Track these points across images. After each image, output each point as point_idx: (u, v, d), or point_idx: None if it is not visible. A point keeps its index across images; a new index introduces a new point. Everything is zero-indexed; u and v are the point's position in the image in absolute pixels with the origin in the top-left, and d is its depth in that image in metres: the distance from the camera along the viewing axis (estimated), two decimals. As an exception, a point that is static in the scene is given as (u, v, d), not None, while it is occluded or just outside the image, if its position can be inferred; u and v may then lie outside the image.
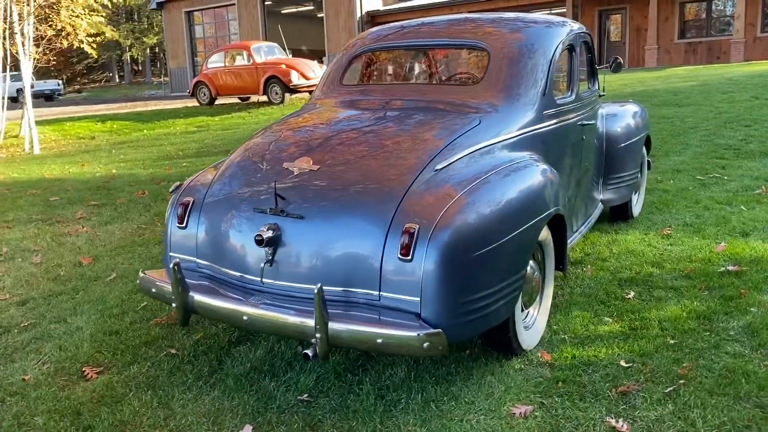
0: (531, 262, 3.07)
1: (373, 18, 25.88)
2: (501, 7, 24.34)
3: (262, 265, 2.67)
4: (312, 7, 29.78)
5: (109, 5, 39.85)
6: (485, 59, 3.41)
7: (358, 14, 25.49)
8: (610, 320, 3.36)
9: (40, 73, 42.97)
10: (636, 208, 5.34)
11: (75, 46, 14.59)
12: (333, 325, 2.39)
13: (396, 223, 2.50)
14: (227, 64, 16.79)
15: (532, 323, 3.15)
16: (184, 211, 3.01)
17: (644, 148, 5.39)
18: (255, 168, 2.95)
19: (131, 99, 28.67)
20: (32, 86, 35.23)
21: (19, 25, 12.78)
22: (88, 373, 2.98)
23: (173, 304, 2.74)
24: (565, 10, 23.55)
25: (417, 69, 3.80)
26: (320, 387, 2.76)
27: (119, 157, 10.51)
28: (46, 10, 13.96)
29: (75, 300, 3.95)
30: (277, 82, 15.39)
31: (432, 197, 2.55)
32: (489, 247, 2.54)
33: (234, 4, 28.80)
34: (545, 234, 3.13)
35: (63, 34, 13.95)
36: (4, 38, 13.10)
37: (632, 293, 3.69)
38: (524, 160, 3.04)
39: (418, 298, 2.43)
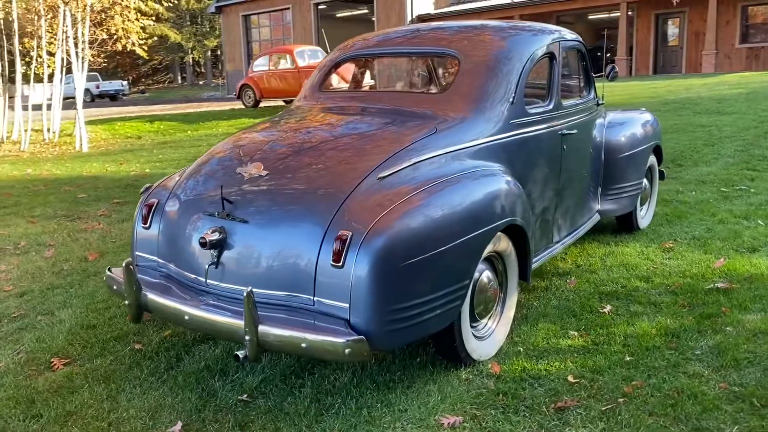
0: (487, 273, 3.05)
1: (422, 21, 25.89)
2: (553, 11, 24.00)
3: (207, 266, 2.75)
4: (366, 11, 30.02)
5: (162, 9, 41.16)
6: (456, 67, 3.40)
7: (409, 17, 25.57)
8: (576, 334, 3.30)
9: (109, 74, 44.94)
10: (644, 220, 5.20)
11: (128, 49, 15.19)
12: (263, 328, 2.45)
13: (331, 229, 2.53)
14: (271, 68, 17.15)
15: (489, 334, 3.12)
16: (148, 212, 3.13)
17: (654, 159, 5.25)
18: (212, 172, 3.03)
19: (189, 100, 29.54)
20: (98, 86, 36.71)
21: (73, 29, 13.38)
22: (55, 364, 3.12)
23: (125, 302, 2.85)
24: (619, 14, 23.00)
25: (396, 76, 3.82)
26: (263, 388, 2.82)
27: (158, 156, 10.87)
28: (101, 15, 14.58)
29: (68, 294, 4.14)
30: (317, 86, 15.62)
31: (369, 205, 2.57)
32: (424, 256, 2.54)
33: (288, 8, 29.33)
34: (504, 244, 3.10)
35: (115, 37, 14.52)
36: (62, 41, 13.74)
37: (609, 307, 3.61)
38: (480, 169, 3.02)
39: (347, 305, 2.46)
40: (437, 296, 2.61)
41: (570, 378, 2.83)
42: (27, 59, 14.87)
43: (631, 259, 4.46)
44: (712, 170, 7.08)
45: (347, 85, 4.37)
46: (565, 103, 3.84)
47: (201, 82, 49.37)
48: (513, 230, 3.11)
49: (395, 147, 2.86)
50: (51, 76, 14.40)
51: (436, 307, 2.61)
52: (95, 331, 3.50)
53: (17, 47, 13.99)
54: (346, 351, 2.35)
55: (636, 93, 14.42)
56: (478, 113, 3.20)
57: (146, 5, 15.14)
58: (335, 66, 3.86)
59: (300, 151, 2.94)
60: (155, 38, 43.76)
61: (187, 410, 2.66)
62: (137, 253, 3.17)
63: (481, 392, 2.75)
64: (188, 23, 46.44)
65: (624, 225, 5.09)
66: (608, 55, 25.16)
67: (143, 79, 50.29)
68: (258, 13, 30.96)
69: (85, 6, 13.74)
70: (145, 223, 3.13)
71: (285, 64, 16.85)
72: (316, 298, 2.53)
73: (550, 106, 3.64)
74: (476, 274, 2.96)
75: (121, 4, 14.56)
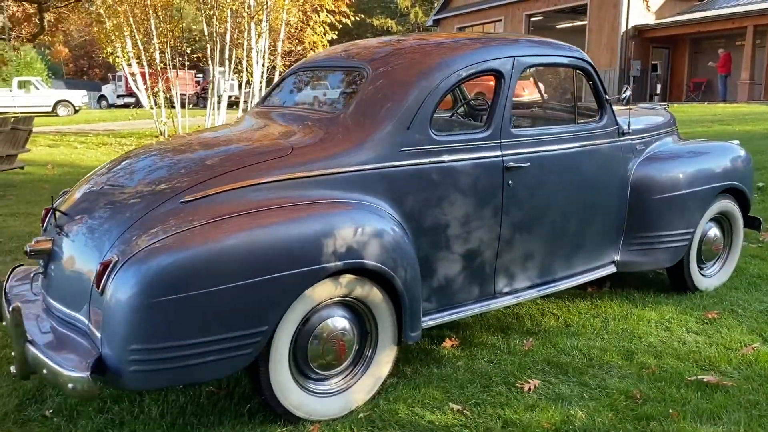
0: (339, 321, 2.65)
1: (640, 33, 23.81)
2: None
3: (33, 274, 2.77)
4: (585, 22, 28.51)
5: (392, 23, 42.83)
6: (362, 84, 3.03)
7: (623, 28, 23.69)
8: (456, 408, 2.71)
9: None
10: (710, 280, 4.17)
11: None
12: (28, 347, 2.38)
13: (109, 253, 2.39)
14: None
15: (336, 391, 2.70)
16: (44, 216, 3.24)
17: (733, 205, 4.18)
18: (87, 182, 3.03)
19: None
20: (324, 94, 40.01)
21: (257, 41, 14.59)
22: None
23: None
24: None
25: (319, 92, 3.49)
26: (77, 407, 2.74)
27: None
28: (295, 28, 15.75)
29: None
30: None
31: (150, 230, 2.37)
32: (197, 292, 2.26)
33: (501, 20, 28.98)
34: (363, 291, 2.66)
35: (302, 49, 15.57)
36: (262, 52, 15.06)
37: (536, 383, 2.92)
38: (329, 200, 2.61)
39: (100, 335, 2.29)
40: (211, 341, 2.31)
41: (372, 462, 2.33)
42: (238, 68, 16.55)
43: (642, 327, 3.58)
44: None
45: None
46: (520, 131, 3.19)
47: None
48: (378, 276, 2.66)
49: (223, 168, 2.61)
50: (247, 82, 15.85)
51: (208, 353, 2.31)
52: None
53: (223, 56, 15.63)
54: (69, 386, 2.19)
55: None
56: (355, 137, 2.79)
57: (336, 19, 15.94)
58: (283, 80, 3.66)
59: (141, 167, 2.83)
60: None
61: (-5, 417, 2.69)
62: None
63: (264, 457, 2.38)
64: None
65: (676, 283, 4.12)
66: None
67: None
68: (472, 26, 31.05)
69: (281, 22, 14.93)
70: (42, 225, 3.25)
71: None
72: (88, 323, 2.40)
73: (485, 134, 3.05)
74: (316, 321, 2.59)
75: (312, 18, 15.56)
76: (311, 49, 15.72)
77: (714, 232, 4.16)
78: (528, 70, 3.27)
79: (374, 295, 2.71)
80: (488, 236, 3.10)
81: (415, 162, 2.84)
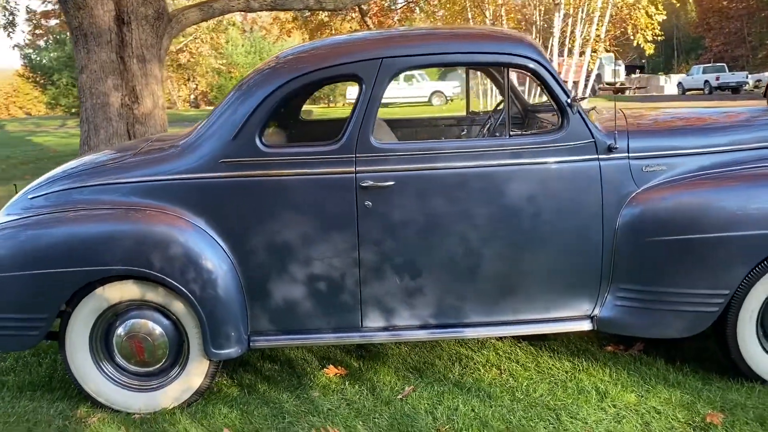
0: (157, 328, 2.77)
1: None
2: None
3: None
4: None
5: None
6: None
7: None
8: (224, 437, 2.57)
9: (756, 65, 41.52)
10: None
11: (640, 44, 14.59)
12: None
13: None
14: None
15: (143, 388, 2.82)
16: None
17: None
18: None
19: None
20: (717, 78, 34.37)
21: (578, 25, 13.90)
22: None
23: None
24: None
25: None
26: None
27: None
28: (622, 11, 14.59)
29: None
30: None
31: (-4, 222, 2.88)
32: None
33: None
34: (164, 300, 2.73)
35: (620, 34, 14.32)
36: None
37: (339, 437, 2.54)
38: (130, 206, 2.72)
39: None
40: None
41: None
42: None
43: (586, 410, 2.69)
44: None
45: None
46: (386, 144, 2.71)
47: None
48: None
49: (78, 170, 2.95)
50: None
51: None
52: None
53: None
54: None
55: None
56: (184, 147, 2.83)
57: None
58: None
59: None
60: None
61: None
62: None
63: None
64: None
65: (730, 363, 2.92)
66: None
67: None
68: None
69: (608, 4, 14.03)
70: None
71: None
72: None
73: (333, 147, 2.69)
74: (123, 319, 2.77)
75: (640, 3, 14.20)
76: (634, 33, 14.31)
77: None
78: (405, 72, 2.74)
79: (176, 305, 2.74)
80: (342, 262, 2.76)
81: (234, 174, 2.73)
